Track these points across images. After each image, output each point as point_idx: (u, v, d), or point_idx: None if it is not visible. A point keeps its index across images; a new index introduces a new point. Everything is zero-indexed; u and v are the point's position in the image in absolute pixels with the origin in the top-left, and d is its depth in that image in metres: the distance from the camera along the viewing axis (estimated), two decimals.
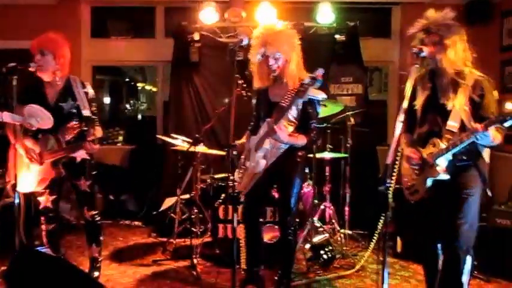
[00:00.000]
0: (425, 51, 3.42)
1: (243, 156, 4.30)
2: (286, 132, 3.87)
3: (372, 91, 8.79)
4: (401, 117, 3.12)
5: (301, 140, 3.96)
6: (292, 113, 3.92)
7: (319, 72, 3.59)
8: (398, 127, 3.10)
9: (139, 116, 11.90)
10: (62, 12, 7.52)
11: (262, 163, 3.97)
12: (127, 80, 11.59)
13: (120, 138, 4.17)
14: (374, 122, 7.12)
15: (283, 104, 3.86)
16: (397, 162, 3.81)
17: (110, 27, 8.19)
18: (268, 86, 4.18)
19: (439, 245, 3.71)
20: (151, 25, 8.03)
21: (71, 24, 7.55)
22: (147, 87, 11.86)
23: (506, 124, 3.07)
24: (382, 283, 3.03)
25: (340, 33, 6.87)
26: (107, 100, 10.68)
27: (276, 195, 4.46)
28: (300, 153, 4.08)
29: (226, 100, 5.51)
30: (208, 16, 6.80)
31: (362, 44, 7.08)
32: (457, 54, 3.42)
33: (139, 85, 12.07)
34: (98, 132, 4.23)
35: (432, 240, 3.77)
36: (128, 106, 12.00)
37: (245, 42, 3.65)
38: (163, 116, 8.04)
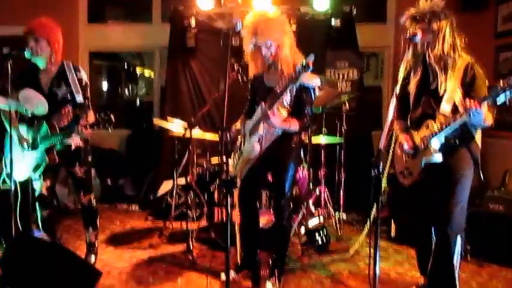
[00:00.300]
0: (418, 36, 3.45)
1: (238, 141, 4.33)
2: (279, 118, 3.90)
3: (368, 77, 8.82)
4: (393, 102, 3.18)
5: (294, 126, 3.98)
6: (286, 98, 3.94)
7: (310, 58, 3.61)
8: (391, 112, 3.16)
9: (138, 101, 11.88)
10: None
11: (257, 148, 4.00)
12: (125, 65, 11.56)
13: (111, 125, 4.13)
14: (369, 107, 7.15)
15: (277, 90, 3.88)
16: (391, 147, 3.88)
17: (107, 12, 8.18)
18: (264, 72, 4.20)
19: (433, 228, 3.78)
20: (148, 10, 8.01)
21: (68, 9, 7.55)
22: (146, 73, 11.83)
23: (499, 99, 3.11)
24: (374, 267, 3.09)
25: (335, 19, 6.85)
26: (105, 86, 10.69)
27: (271, 179, 4.49)
28: (294, 138, 4.11)
29: (223, 86, 5.54)
30: (204, 1, 6.78)
31: (357, 29, 7.08)
32: (446, 39, 3.46)
33: (138, 70, 12.04)
34: (90, 117, 4.25)
35: (426, 223, 3.84)
36: (126, 91, 11.98)
37: (239, 27, 3.65)
38: (160, 101, 8.06)
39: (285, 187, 4.10)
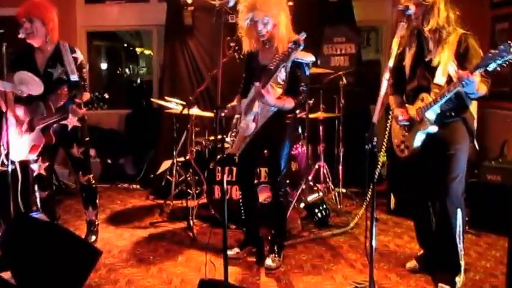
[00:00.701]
0: (412, 9, 3.43)
1: (235, 119, 4.33)
2: (274, 95, 3.89)
3: (369, 51, 8.79)
4: (386, 75, 3.18)
5: (288, 103, 3.98)
6: (281, 75, 3.94)
7: (302, 35, 3.60)
8: (384, 86, 3.16)
9: (138, 80, 11.88)
10: None
11: (252, 126, 4.01)
12: (125, 45, 11.53)
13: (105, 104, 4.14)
14: (368, 81, 7.13)
15: (271, 67, 3.88)
16: (388, 121, 3.90)
17: None
18: (258, 49, 4.18)
19: (430, 203, 3.83)
20: None
21: None
22: (146, 52, 11.80)
23: (491, 67, 3.12)
24: (371, 239, 3.12)
25: None
26: (104, 66, 10.68)
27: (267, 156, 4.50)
28: (289, 115, 4.12)
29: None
30: None
31: (356, 4, 7.04)
32: (441, 12, 3.45)
33: (138, 50, 12.02)
34: (85, 96, 4.23)
35: (423, 196, 3.87)
36: (127, 71, 11.97)
37: (232, 3, 3.61)
38: (159, 79, 8.05)
39: (280, 164, 4.11)
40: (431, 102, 3.48)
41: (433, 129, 3.54)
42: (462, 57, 3.44)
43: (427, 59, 3.58)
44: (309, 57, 3.94)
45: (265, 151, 4.36)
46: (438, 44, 3.51)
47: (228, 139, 4.33)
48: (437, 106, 3.48)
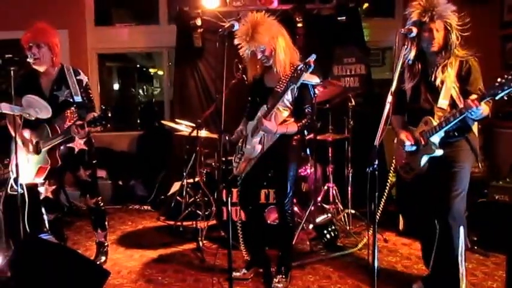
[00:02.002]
0: (414, 32, 3.46)
1: (240, 142, 4.37)
2: (277, 121, 3.95)
3: (384, 70, 8.78)
4: (389, 98, 3.20)
5: (291, 128, 4.01)
6: (288, 97, 3.98)
7: (312, 57, 3.64)
8: (387, 108, 3.18)
9: (152, 101, 11.97)
10: (66, 2, 7.59)
11: (258, 148, 4.04)
12: (138, 66, 11.65)
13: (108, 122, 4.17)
14: (379, 101, 7.13)
15: (278, 90, 3.92)
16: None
17: (114, 15, 8.27)
18: (264, 73, 4.23)
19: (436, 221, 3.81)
20: (155, 12, 8.08)
21: (75, 13, 7.65)
22: (160, 72, 11.91)
23: (498, 97, 3.14)
24: (373, 261, 3.13)
25: (341, 15, 6.87)
26: (117, 87, 10.80)
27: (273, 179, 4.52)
28: (295, 138, 4.14)
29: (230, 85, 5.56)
30: (210, 1, 6.85)
31: (366, 24, 7.10)
32: (447, 36, 3.49)
33: (151, 70, 12.14)
34: (89, 117, 4.26)
35: (430, 215, 3.86)
36: (141, 91, 12.08)
37: (236, 27, 3.68)
38: (170, 101, 8.13)
39: (287, 186, 4.13)
40: (436, 127, 3.50)
41: (439, 153, 3.57)
42: (464, 79, 3.49)
43: (430, 82, 3.61)
44: (315, 79, 3.97)
45: (270, 173, 4.39)
46: (442, 66, 3.54)
47: (234, 161, 4.37)
48: (442, 131, 3.50)
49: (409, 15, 3.56)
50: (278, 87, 3.96)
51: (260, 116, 3.91)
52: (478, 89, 3.44)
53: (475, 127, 3.65)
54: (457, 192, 3.59)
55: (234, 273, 4.19)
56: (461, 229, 3.61)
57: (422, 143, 3.61)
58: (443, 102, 3.50)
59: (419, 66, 3.68)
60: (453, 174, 3.59)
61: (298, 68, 3.70)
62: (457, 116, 3.37)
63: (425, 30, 3.50)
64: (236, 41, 3.99)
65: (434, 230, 3.82)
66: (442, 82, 3.52)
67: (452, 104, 3.50)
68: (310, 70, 3.68)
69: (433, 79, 3.59)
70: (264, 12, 4.10)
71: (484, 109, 3.29)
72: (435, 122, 3.52)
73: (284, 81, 3.89)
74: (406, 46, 3.46)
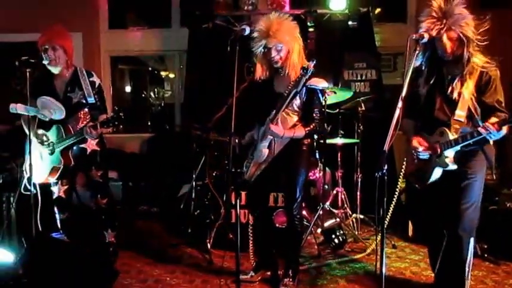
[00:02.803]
0: (426, 37, 3.39)
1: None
2: (284, 127, 3.98)
3: (395, 75, 8.73)
4: (399, 103, 3.16)
5: (298, 133, 4.03)
6: (296, 102, 4.01)
7: (312, 62, 3.67)
8: (396, 114, 3.15)
9: (162, 104, 12.02)
10: (80, 5, 7.69)
11: (265, 152, 4.06)
12: (150, 68, 11.71)
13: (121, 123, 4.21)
14: (389, 107, 7.13)
15: (285, 94, 3.94)
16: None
17: (127, 18, 8.35)
18: (272, 76, 4.23)
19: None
20: (168, 16, 8.17)
21: (89, 16, 7.78)
22: (171, 75, 11.96)
23: None
24: (381, 267, 3.13)
25: (352, 20, 6.90)
26: (129, 89, 10.86)
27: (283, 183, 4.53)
28: (305, 142, 4.16)
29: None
30: (222, 5, 6.90)
31: (378, 29, 7.11)
32: (464, 43, 3.39)
33: (163, 73, 12.19)
34: (101, 118, 4.34)
35: (439, 223, 3.82)
36: (152, 94, 12.12)
37: (247, 32, 3.71)
38: (181, 104, 8.19)
39: (296, 191, 4.15)
40: (452, 142, 3.43)
41: (453, 167, 3.52)
42: (482, 91, 3.41)
43: (446, 91, 3.52)
44: (322, 84, 3.98)
45: (280, 177, 4.40)
46: (460, 76, 3.46)
47: (244, 166, 4.39)
48: (458, 147, 3.45)
49: (421, 23, 3.48)
50: (285, 91, 3.98)
51: (268, 120, 3.94)
52: (496, 101, 3.39)
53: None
54: (469, 204, 3.52)
55: (242, 276, 4.21)
56: (472, 240, 3.57)
57: (438, 151, 3.52)
58: (460, 113, 3.43)
59: (435, 72, 3.61)
60: (466, 186, 3.52)
61: (301, 73, 3.73)
62: (474, 136, 3.32)
63: (439, 39, 3.43)
64: (254, 35, 4.00)
65: (442, 238, 3.77)
66: (460, 94, 3.44)
67: (469, 115, 3.44)
68: (309, 74, 3.69)
69: (449, 91, 3.50)
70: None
71: (504, 131, 3.26)
72: (451, 135, 3.44)
73: (290, 86, 3.92)
74: (417, 52, 3.40)
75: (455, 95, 3.46)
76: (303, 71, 3.65)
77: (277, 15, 4.04)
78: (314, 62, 3.64)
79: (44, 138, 4.41)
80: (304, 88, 3.91)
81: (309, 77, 3.77)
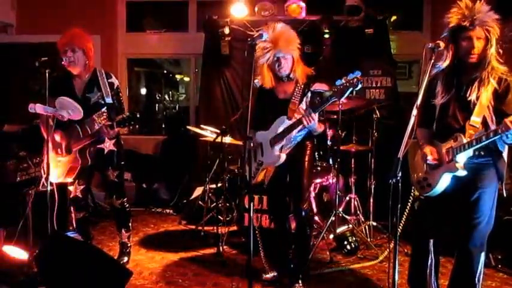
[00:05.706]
0: (442, 46, 3.32)
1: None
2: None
3: (410, 83, 8.77)
4: (414, 111, 3.12)
5: (321, 128, 4.19)
6: (303, 106, 4.12)
7: (357, 74, 3.74)
8: (411, 122, 3.14)
9: (177, 107, 12.10)
10: (99, 9, 7.81)
11: (283, 157, 4.12)
12: (165, 71, 11.80)
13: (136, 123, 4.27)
14: (404, 114, 7.14)
15: (315, 101, 3.97)
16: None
17: (145, 22, 8.44)
18: (274, 85, 4.28)
19: (430, 242, 3.63)
20: (185, 19, 8.26)
21: (108, 20, 7.89)
22: (186, 79, 12.03)
23: None
24: (394, 275, 3.12)
25: (368, 27, 6.91)
26: (144, 91, 10.94)
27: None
28: (310, 144, 4.27)
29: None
30: (238, 10, 6.96)
31: (394, 37, 7.12)
32: (487, 48, 3.31)
33: (178, 76, 12.28)
34: (118, 118, 4.36)
35: (426, 237, 3.68)
36: (167, 97, 12.21)
37: (265, 36, 3.75)
38: (196, 107, 8.25)
39: (303, 191, 4.20)
40: (466, 144, 3.30)
41: (462, 173, 3.38)
42: (500, 98, 3.32)
43: (464, 97, 3.40)
44: (325, 88, 4.04)
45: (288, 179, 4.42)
46: (479, 82, 3.35)
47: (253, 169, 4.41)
48: (471, 150, 3.33)
49: (447, 21, 3.39)
50: (294, 97, 4.12)
51: (302, 113, 3.94)
52: None
53: (505, 152, 3.43)
54: (480, 219, 3.38)
55: (265, 275, 4.46)
56: (483, 255, 3.44)
57: (446, 160, 3.42)
58: (476, 119, 3.32)
59: (453, 81, 3.50)
60: (476, 201, 3.37)
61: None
62: (490, 136, 3.17)
63: (464, 39, 3.33)
64: (261, 45, 4.07)
65: (426, 253, 3.63)
66: (477, 98, 3.33)
67: (484, 122, 3.33)
68: (359, 87, 3.78)
69: (467, 94, 3.37)
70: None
71: None
72: (465, 140, 3.32)
73: (299, 90, 4.11)
74: (432, 60, 3.35)
75: (473, 97, 3.35)
76: (351, 81, 3.71)
77: (282, 25, 4.16)
78: (359, 74, 3.75)
79: (59, 141, 4.48)
80: (310, 92, 4.07)
81: (313, 82, 3.99)
